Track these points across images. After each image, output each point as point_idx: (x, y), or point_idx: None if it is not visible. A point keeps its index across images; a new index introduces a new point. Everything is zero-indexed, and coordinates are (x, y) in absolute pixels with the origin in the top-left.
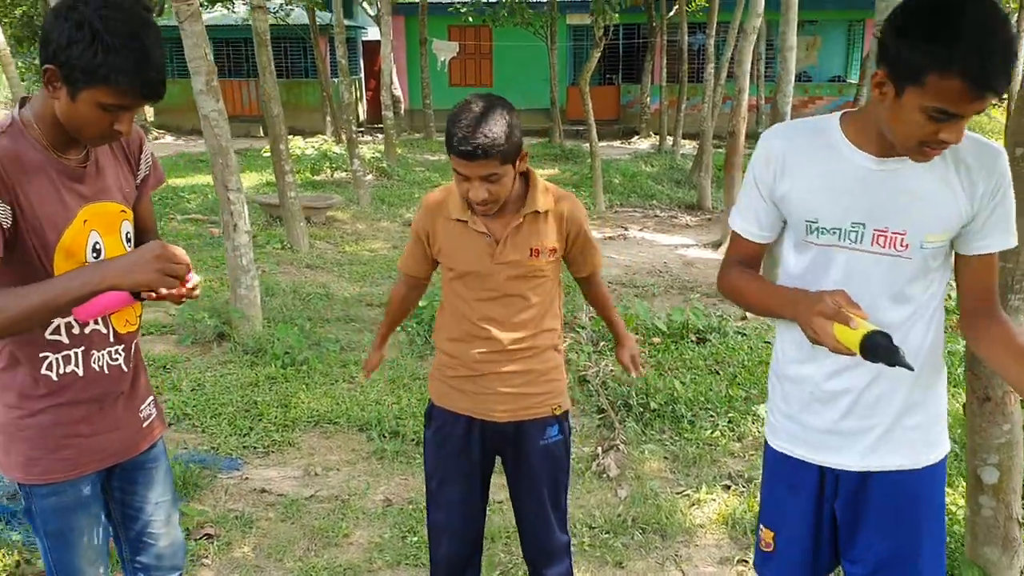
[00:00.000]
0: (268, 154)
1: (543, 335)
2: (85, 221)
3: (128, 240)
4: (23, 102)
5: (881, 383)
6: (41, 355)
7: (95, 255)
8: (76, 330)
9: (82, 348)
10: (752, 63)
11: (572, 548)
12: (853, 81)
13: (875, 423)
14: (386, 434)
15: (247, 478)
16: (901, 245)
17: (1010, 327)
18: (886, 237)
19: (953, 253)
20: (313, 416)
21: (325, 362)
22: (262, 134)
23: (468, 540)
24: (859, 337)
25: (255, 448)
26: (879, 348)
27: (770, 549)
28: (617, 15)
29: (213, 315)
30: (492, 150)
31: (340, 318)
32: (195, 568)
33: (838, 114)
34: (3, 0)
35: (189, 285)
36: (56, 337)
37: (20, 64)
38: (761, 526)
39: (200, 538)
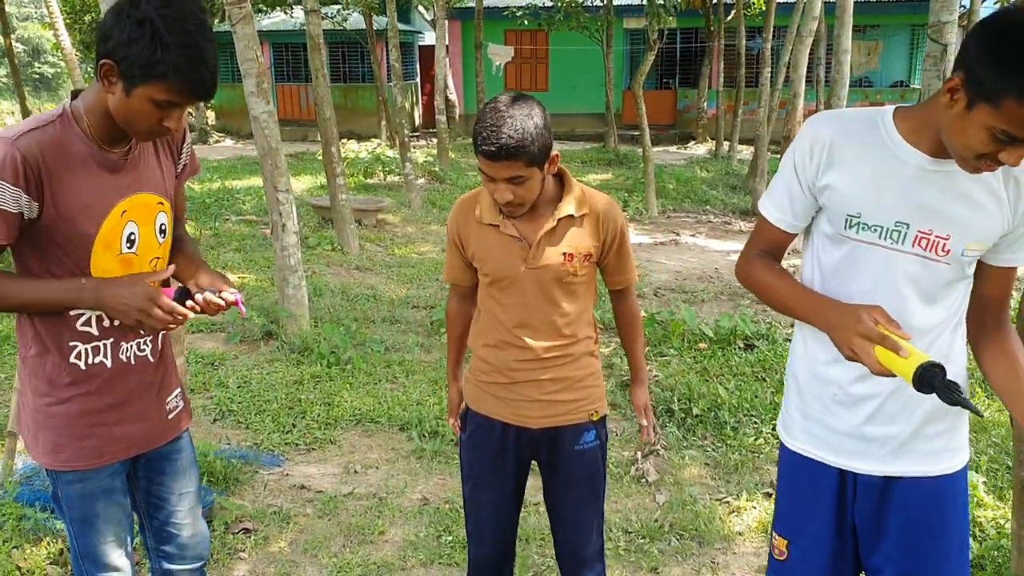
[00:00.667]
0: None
1: (579, 343)
2: (124, 212)
3: (162, 231)
4: (75, 95)
5: (907, 389)
6: (71, 344)
7: (129, 244)
8: (107, 323)
9: (111, 340)
10: (811, 68)
11: (607, 552)
12: (916, 86)
13: (898, 430)
14: (426, 434)
15: (288, 474)
16: (943, 250)
17: (1013, 344)
18: (929, 240)
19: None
20: (355, 415)
21: (369, 362)
22: (319, 138)
23: (500, 543)
24: (912, 367)
25: (297, 445)
26: (937, 384)
27: (783, 558)
28: (673, 19)
29: (261, 314)
30: (517, 151)
31: (386, 319)
32: (231, 562)
33: (891, 108)
34: (72, 7)
35: (228, 299)
36: (87, 328)
37: (88, 69)
38: (774, 533)
39: (237, 532)
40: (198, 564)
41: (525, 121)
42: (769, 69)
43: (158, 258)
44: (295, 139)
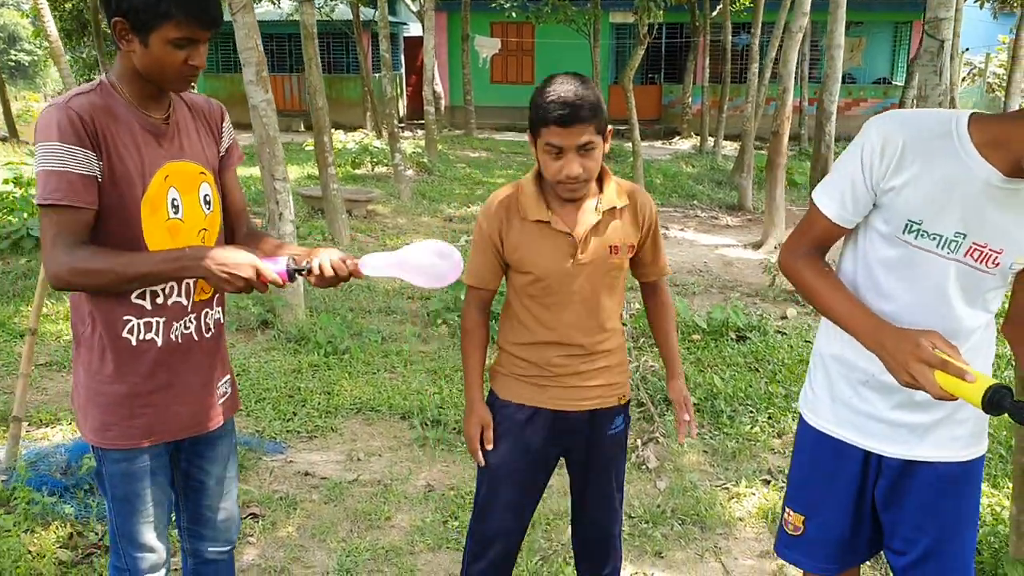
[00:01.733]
0: (310, 148)
1: (617, 333)
2: (167, 177)
3: (207, 203)
4: (113, 68)
5: None
6: (124, 319)
7: (174, 211)
8: (160, 299)
9: (163, 319)
10: (796, 64)
11: None
12: (898, 83)
13: (928, 417)
14: (428, 422)
15: (291, 461)
16: (993, 263)
17: None
18: (982, 252)
19: None
20: (355, 403)
21: (367, 351)
22: (303, 128)
23: (513, 540)
24: (979, 391)
25: (299, 432)
26: (1007, 406)
27: (799, 533)
28: (661, 13)
29: (257, 303)
30: (592, 113)
31: (381, 309)
32: (241, 545)
33: (966, 114)
34: None
35: (316, 269)
36: (140, 302)
37: (70, 57)
38: (788, 509)
39: (246, 517)
40: (228, 548)
41: (590, 87)
42: (757, 65)
43: (205, 230)
44: (280, 129)
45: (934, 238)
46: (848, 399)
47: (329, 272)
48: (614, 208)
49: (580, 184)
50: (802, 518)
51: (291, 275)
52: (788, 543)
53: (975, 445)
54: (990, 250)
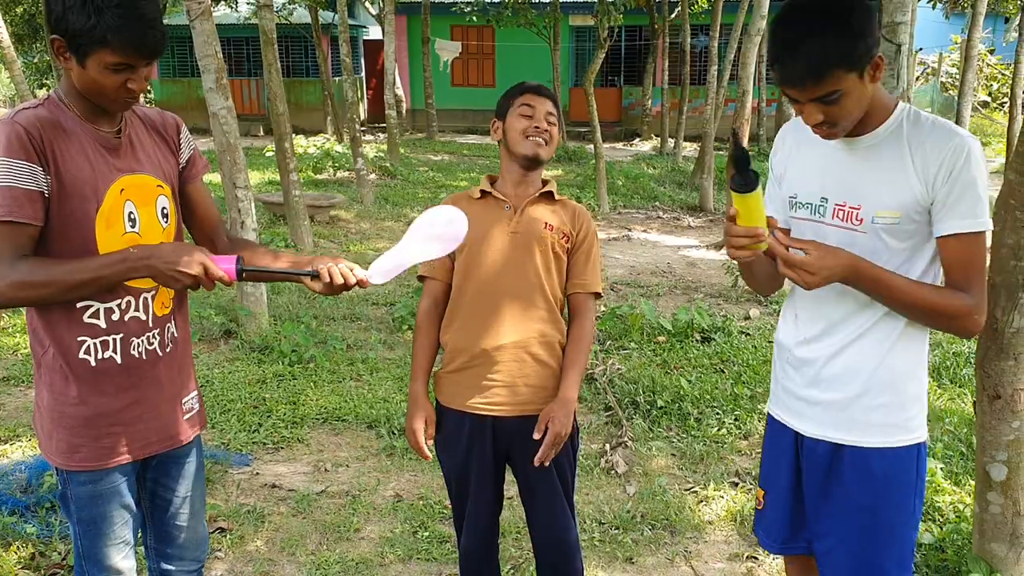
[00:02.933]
0: (270, 153)
1: (550, 324)
2: (122, 190)
3: (164, 216)
4: (60, 82)
5: (845, 357)
6: (79, 339)
7: (131, 224)
8: (116, 315)
9: (120, 336)
10: (755, 65)
11: (582, 543)
12: None
13: (836, 396)
14: (395, 431)
15: (258, 473)
16: (856, 219)
17: None
18: (844, 211)
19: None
20: (321, 413)
21: (332, 360)
22: (262, 133)
23: (488, 530)
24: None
25: (264, 444)
26: (739, 160)
27: (761, 507)
28: (621, 16)
29: (220, 312)
30: (553, 98)
31: (346, 316)
32: (209, 560)
33: None
34: None
35: (360, 275)
36: (94, 321)
37: (22, 62)
38: (759, 486)
39: (213, 531)
40: (196, 566)
41: None
42: (716, 67)
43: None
44: (239, 134)
45: (806, 207)
46: (780, 378)
47: (339, 280)
48: (552, 195)
49: (544, 142)
50: (763, 492)
51: (239, 273)
52: (757, 518)
53: (893, 434)
54: (849, 207)
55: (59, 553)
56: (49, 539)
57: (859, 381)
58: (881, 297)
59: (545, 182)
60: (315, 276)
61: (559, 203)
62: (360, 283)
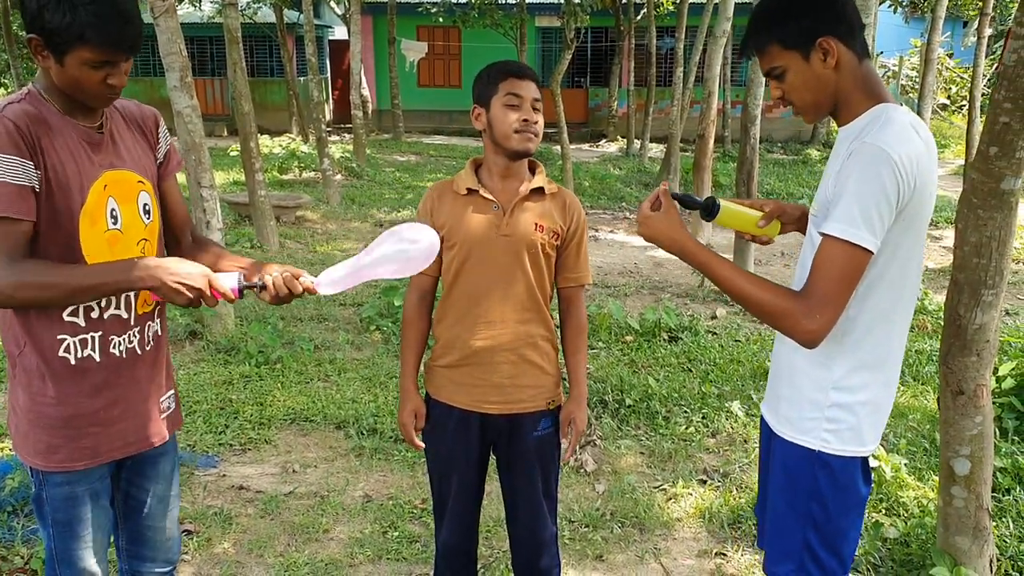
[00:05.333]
0: (235, 153)
1: (540, 324)
2: (105, 186)
3: (146, 212)
4: (38, 77)
5: (777, 343)
6: (58, 338)
7: (113, 221)
8: (95, 314)
9: (99, 333)
10: (720, 67)
11: None
12: None
13: (772, 380)
14: (364, 431)
15: (224, 475)
16: (812, 217)
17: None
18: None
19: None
20: (289, 414)
21: (299, 361)
22: (226, 133)
23: (469, 526)
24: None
25: (231, 445)
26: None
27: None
28: (587, 18)
29: (184, 313)
30: (536, 79)
31: (313, 317)
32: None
33: None
34: None
35: (306, 283)
36: (73, 319)
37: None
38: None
39: (180, 534)
40: (168, 568)
41: None
42: (681, 69)
43: (145, 240)
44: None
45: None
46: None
47: (283, 291)
48: (542, 190)
49: (533, 134)
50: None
51: (242, 291)
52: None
53: (792, 431)
54: (811, 211)
55: (21, 557)
56: (11, 543)
57: (776, 367)
58: (716, 284)
59: (533, 167)
60: (263, 288)
61: (548, 196)
62: (308, 290)
